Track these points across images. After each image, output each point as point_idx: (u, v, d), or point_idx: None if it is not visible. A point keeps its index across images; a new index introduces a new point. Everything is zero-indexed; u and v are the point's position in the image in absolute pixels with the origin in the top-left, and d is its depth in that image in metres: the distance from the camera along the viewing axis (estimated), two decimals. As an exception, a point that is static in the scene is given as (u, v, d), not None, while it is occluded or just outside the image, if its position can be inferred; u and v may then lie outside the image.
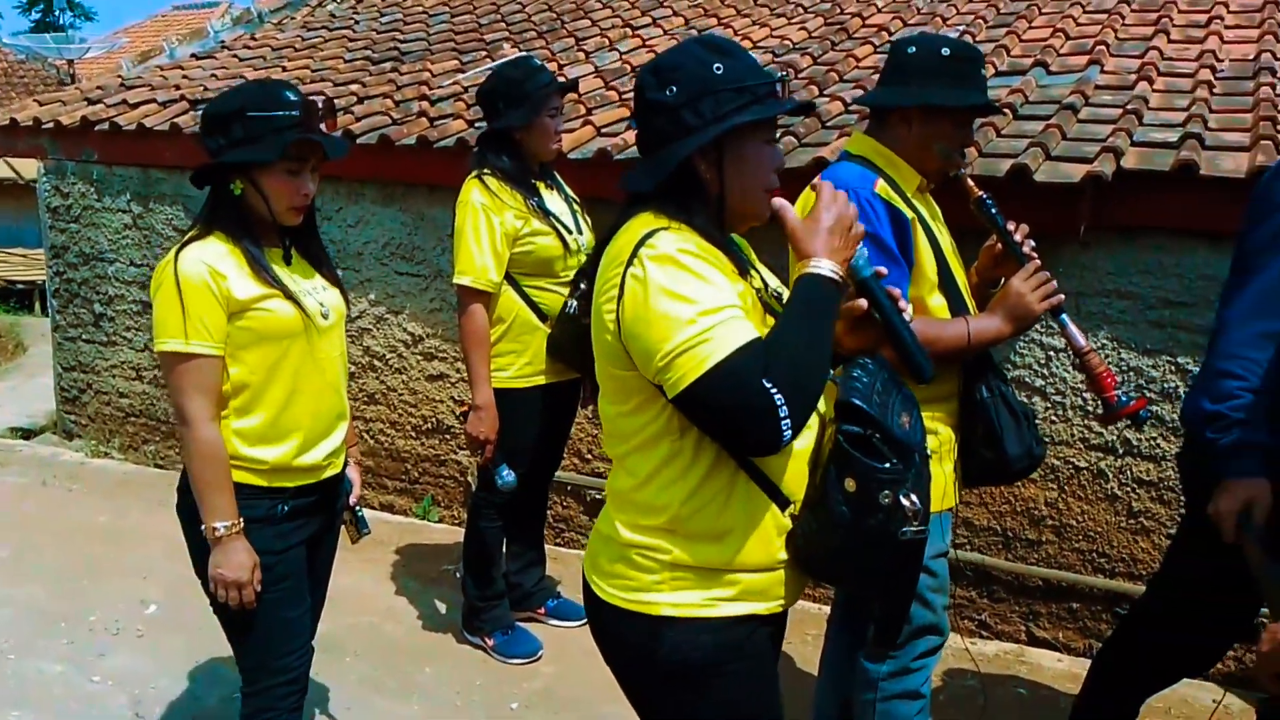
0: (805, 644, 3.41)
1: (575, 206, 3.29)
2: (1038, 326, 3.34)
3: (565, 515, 4.40)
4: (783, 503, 1.54)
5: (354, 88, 5.08)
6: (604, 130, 4.14)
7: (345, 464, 2.41)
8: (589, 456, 4.33)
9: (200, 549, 2.16)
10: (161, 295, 2.08)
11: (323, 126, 2.21)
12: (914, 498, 1.46)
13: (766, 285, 1.63)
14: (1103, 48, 4.20)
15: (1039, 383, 3.47)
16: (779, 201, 1.54)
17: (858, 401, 1.49)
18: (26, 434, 6.10)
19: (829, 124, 3.86)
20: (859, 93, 4.04)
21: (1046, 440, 3.30)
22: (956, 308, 2.19)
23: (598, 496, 4.31)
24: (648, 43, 5.23)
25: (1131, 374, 3.34)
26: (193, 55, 6.26)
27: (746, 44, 4.97)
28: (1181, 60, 4.06)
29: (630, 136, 3.96)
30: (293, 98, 2.08)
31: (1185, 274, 3.25)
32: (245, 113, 2.06)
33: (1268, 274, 1.95)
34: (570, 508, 4.39)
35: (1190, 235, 3.24)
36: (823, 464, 1.53)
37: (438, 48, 5.66)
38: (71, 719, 3.03)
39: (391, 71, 5.31)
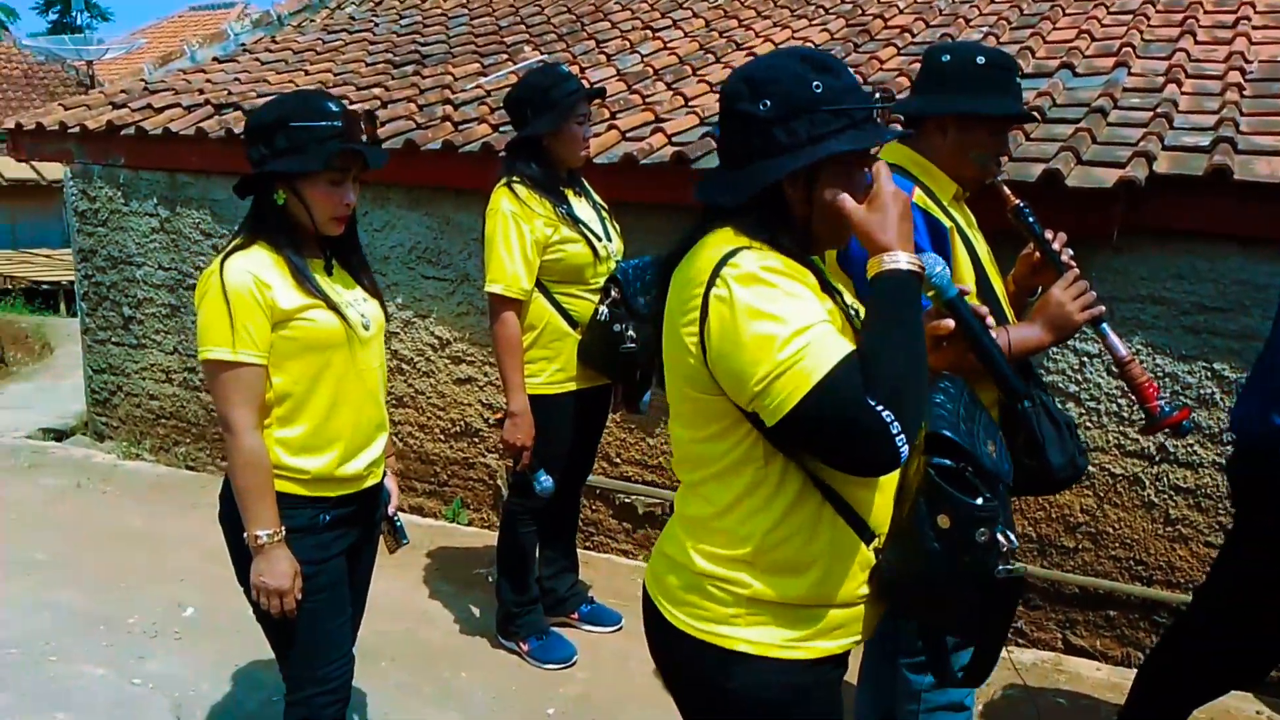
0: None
1: (603, 213, 3.30)
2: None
3: (594, 519, 4.42)
4: (868, 536, 1.47)
5: (377, 92, 5.11)
6: (629, 135, 4.15)
7: (384, 474, 2.43)
8: (618, 461, 4.35)
9: (243, 556, 2.18)
10: (207, 304, 2.09)
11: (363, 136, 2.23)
12: (1011, 535, 1.40)
13: (849, 304, 1.55)
14: (1129, 49, 4.18)
15: (1073, 389, 3.47)
16: (838, 195, 1.44)
17: (949, 433, 1.42)
18: (58, 435, 6.17)
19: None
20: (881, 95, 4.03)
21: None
22: (995, 317, 2.18)
23: (626, 501, 4.33)
24: (668, 45, 5.24)
25: (1167, 380, 3.33)
26: (214, 59, 6.30)
27: (767, 46, 4.98)
28: (1209, 62, 4.04)
29: (655, 141, 3.97)
30: (335, 108, 2.10)
31: (1220, 279, 3.24)
32: (288, 123, 2.07)
33: None
34: (599, 511, 4.41)
35: (1224, 240, 3.23)
36: (910, 496, 1.46)
37: (459, 51, 5.68)
38: (113, 723, 3.07)
39: (414, 75, 5.33)
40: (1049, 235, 2.25)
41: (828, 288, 1.47)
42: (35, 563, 4.10)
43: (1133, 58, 4.13)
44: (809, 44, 4.92)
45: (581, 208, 3.21)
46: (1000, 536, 1.39)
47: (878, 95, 1.59)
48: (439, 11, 6.65)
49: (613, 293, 3.11)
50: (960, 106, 2.15)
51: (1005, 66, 2.21)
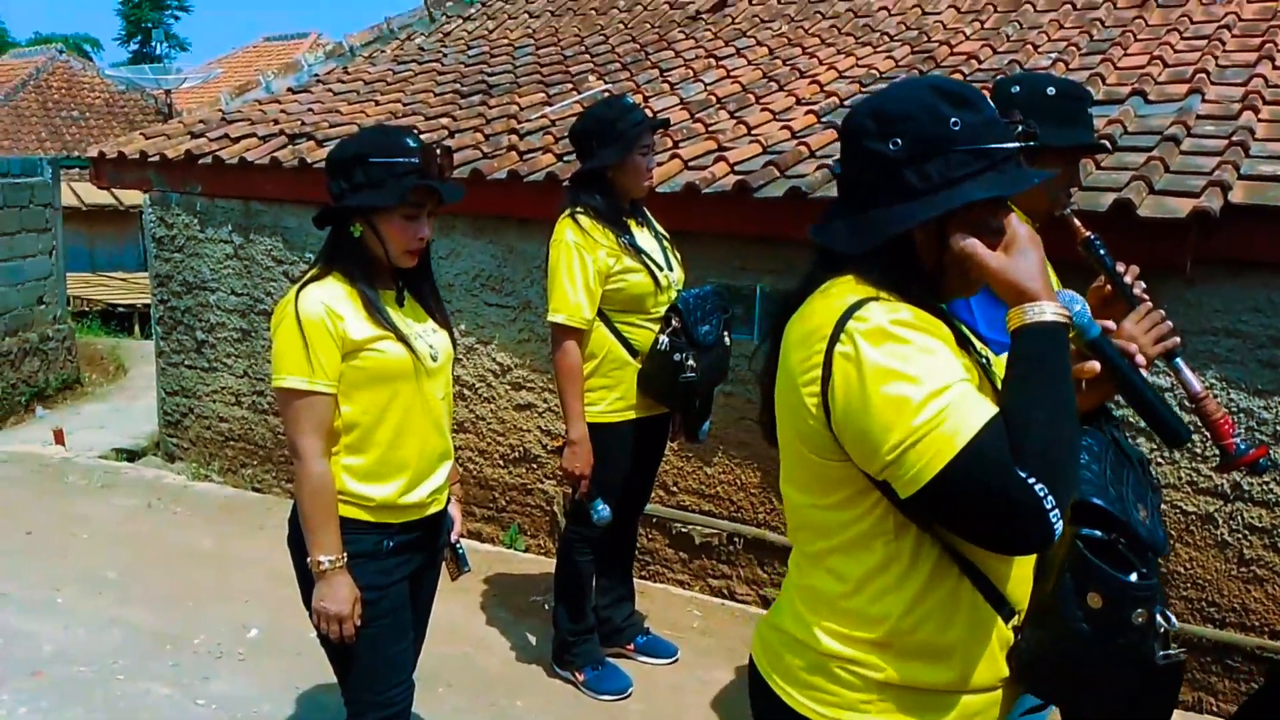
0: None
1: (665, 243, 3.32)
2: (1140, 364, 3.25)
3: (650, 548, 4.41)
4: (1006, 612, 1.34)
5: (445, 121, 5.21)
6: (691, 164, 4.17)
7: (448, 501, 2.46)
8: (675, 490, 4.34)
9: (308, 580, 2.21)
10: (282, 332, 2.15)
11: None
12: (1171, 616, 1.28)
13: (986, 357, 1.41)
14: (1203, 75, 4.09)
15: (1142, 423, 3.38)
16: (968, 241, 1.29)
17: (1097, 500, 1.29)
18: (131, 455, 6.34)
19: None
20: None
21: (1151, 482, 3.21)
22: None
23: (683, 530, 4.31)
24: (732, 73, 5.25)
25: (1242, 415, 3.23)
26: (289, 89, 6.48)
27: (831, 73, 4.97)
28: (1289, 88, 3.94)
29: (718, 170, 3.98)
30: (413, 144, 2.15)
31: (1298, 310, 3.14)
32: (367, 159, 2.13)
33: None
34: (655, 540, 4.40)
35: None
36: (1054, 569, 1.32)
37: (524, 81, 5.77)
38: (179, 741, 3.13)
39: (480, 105, 5.42)
40: (1120, 267, 2.21)
41: (963, 341, 1.34)
42: (107, 581, 4.21)
43: (1207, 84, 4.04)
44: (873, 71, 4.90)
45: (644, 237, 3.22)
46: (1159, 617, 1.27)
47: (1020, 129, 1.50)
48: (506, 42, 6.77)
49: (673, 322, 3.12)
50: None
51: (1076, 96, 2.19)
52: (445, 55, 6.68)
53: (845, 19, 5.85)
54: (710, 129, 4.49)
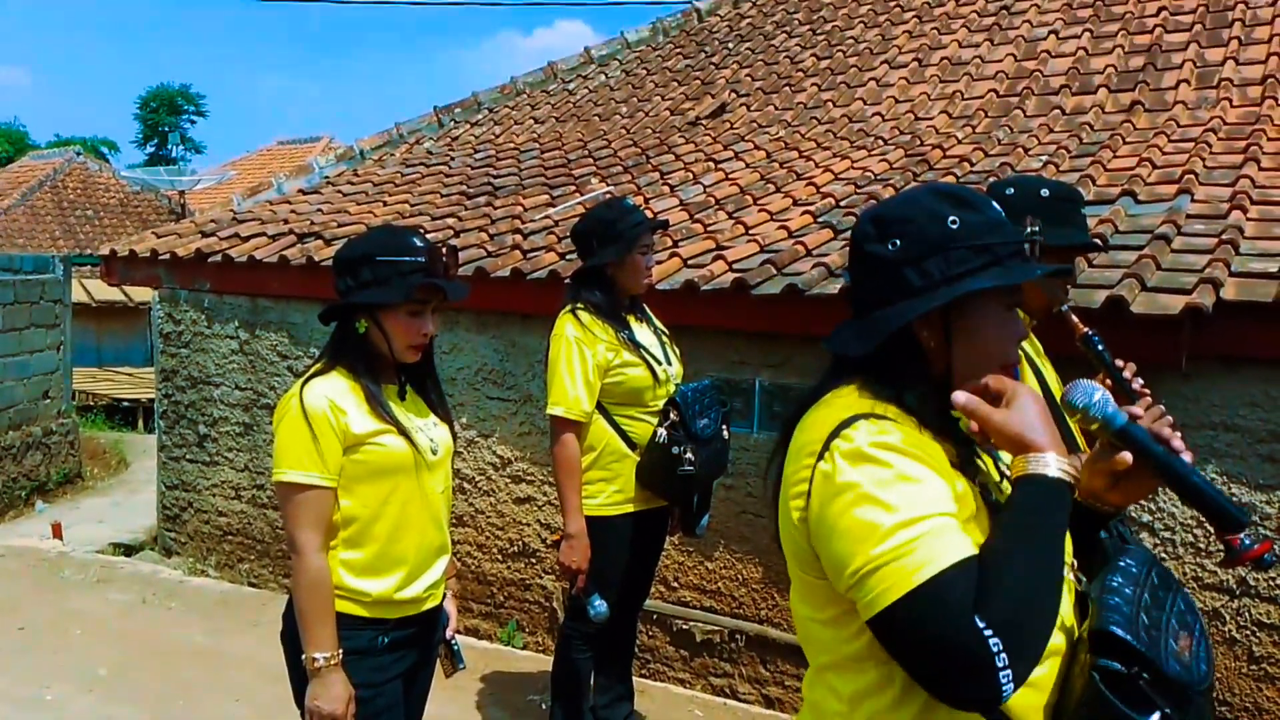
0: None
1: (664, 338, 3.36)
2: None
3: (650, 645, 4.34)
4: None
5: (450, 221, 5.32)
6: (690, 262, 4.25)
7: (444, 596, 2.44)
8: (676, 585, 4.29)
9: (301, 676, 2.18)
10: (285, 426, 2.17)
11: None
12: None
13: (1001, 474, 1.34)
14: (1191, 177, 4.19)
15: (1146, 518, 3.37)
16: (967, 398, 1.24)
17: (1118, 631, 1.18)
18: (128, 550, 6.30)
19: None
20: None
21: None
22: (1068, 446, 2.15)
23: (684, 627, 4.25)
24: (730, 176, 5.39)
25: (1245, 510, 3.21)
26: (299, 190, 6.65)
27: (827, 175, 5.10)
28: (1275, 188, 4.02)
29: (716, 268, 4.05)
30: (419, 244, 2.21)
31: (1298, 406, 3.15)
32: (374, 257, 2.18)
33: None
34: (656, 638, 4.33)
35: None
36: (1071, 701, 1.23)
37: (529, 183, 5.91)
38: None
39: (486, 206, 5.55)
40: (1119, 363, 2.24)
41: (968, 457, 1.29)
42: (97, 678, 4.14)
43: (1195, 185, 4.14)
44: (868, 174, 5.03)
45: (642, 332, 3.27)
46: None
47: (1029, 230, 1.47)
48: (511, 146, 6.96)
49: (671, 415, 3.14)
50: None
51: (1069, 198, 2.24)
52: (453, 158, 6.87)
53: (840, 124, 6.02)
54: (709, 229, 4.59)
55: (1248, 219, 3.74)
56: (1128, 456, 1.29)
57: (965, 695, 1.13)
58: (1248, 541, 2.08)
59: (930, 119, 5.79)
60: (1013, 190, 2.23)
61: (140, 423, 12.45)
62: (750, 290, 3.85)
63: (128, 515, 7.11)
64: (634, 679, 3.65)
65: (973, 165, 4.91)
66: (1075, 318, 2.27)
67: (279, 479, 2.16)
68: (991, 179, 4.30)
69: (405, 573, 2.24)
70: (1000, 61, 6.10)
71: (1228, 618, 3.27)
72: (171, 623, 4.82)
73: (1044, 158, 4.77)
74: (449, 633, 2.50)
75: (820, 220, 4.48)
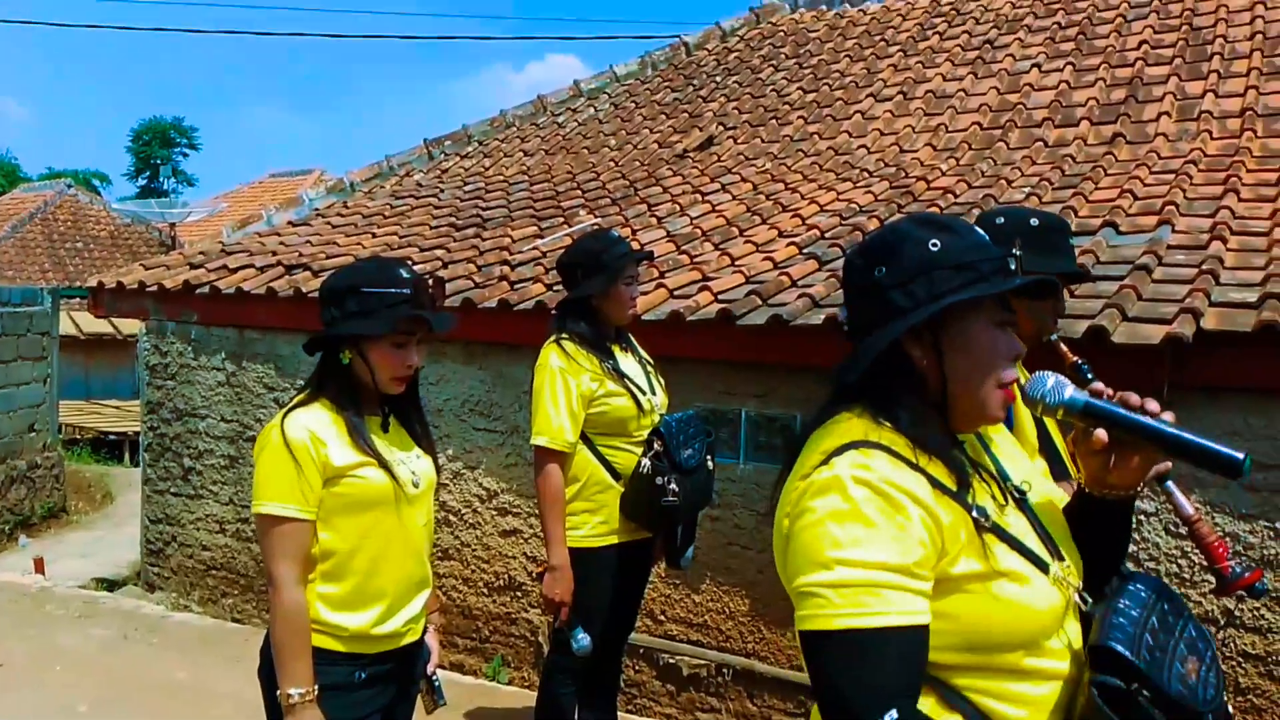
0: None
1: (649, 368, 3.36)
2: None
3: (637, 680, 4.30)
4: None
5: (439, 253, 5.34)
6: (676, 293, 4.26)
7: (424, 631, 2.41)
8: (662, 618, 4.26)
9: (277, 713, 2.14)
10: (265, 458, 2.16)
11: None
12: None
13: (1005, 495, 1.34)
14: (1172, 208, 4.23)
15: (1131, 549, 3.36)
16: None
17: (1117, 647, 1.19)
18: (111, 585, 6.24)
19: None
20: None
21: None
22: (1058, 472, 2.15)
23: (670, 661, 4.22)
24: (717, 208, 5.42)
25: (1228, 540, 3.21)
26: (289, 222, 6.66)
27: (813, 208, 5.13)
28: (1254, 219, 4.06)
29: (701, 299, 4.07)
30: (405, 275, 2.20)
31: (1277, 435, 3.16)
32: (360, 289, 2.17)
33: None
34: (643, 672, 4.29)
35: (1278, 396, 3.17)
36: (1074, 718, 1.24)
37: (518, 215, 5.94)
38: None
39: (474, 237, 5.57)
40: (1108, 392, 2.23)
41: (962, 485, 1.27)
42: (77, 715, 4.08)
43: (1176, 216, 4.17)
44: (853, 205, 5.06)
45: (627, 362, 3.27)
46: None
47: (1015, 253, 1.50)
48: (501, 178, 7.00)
49: (656, 445, 3.13)
50: None
51: (1058, 229, 2.25)
52: (442, 190, 6.90)
53: (826, 156, 6.07)
54: (695, 260, 4.61)
55: (1228, 249, 3.77)
56: (1102, 433, 1.29)
57: None
58: (1238, 569, 2.06)
59: (915, 151, 5.84)
60: (1003, 220, 2.25)
61: (127, 456, 12.37)
62: (736, 321, 3.86)
63: (111, 550, 7.05)
64: (620, 714, 3.62)
65: (957, 197, 4.94)
66: (1064, 347, 2.28)
67: (258, 510, 2.15)
68: (976, 210, 4.34)
69: (384, 607, 2.22)
70: (984, 95, 6.17)
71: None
72: (153, 659, 4.76)
73: (1027, 189, 4.81)
74: (430, 668, 2.47)
75: (805, 252, 4.50)
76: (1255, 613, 3.19)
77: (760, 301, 3.96)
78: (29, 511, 7.65)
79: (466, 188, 6.88)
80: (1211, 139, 5.06)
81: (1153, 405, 1.31)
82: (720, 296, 4.09)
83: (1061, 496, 1.47)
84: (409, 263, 2.38)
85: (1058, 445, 2.22)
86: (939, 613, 1.21)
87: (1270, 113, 5.13)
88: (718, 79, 7.81)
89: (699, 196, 5.71)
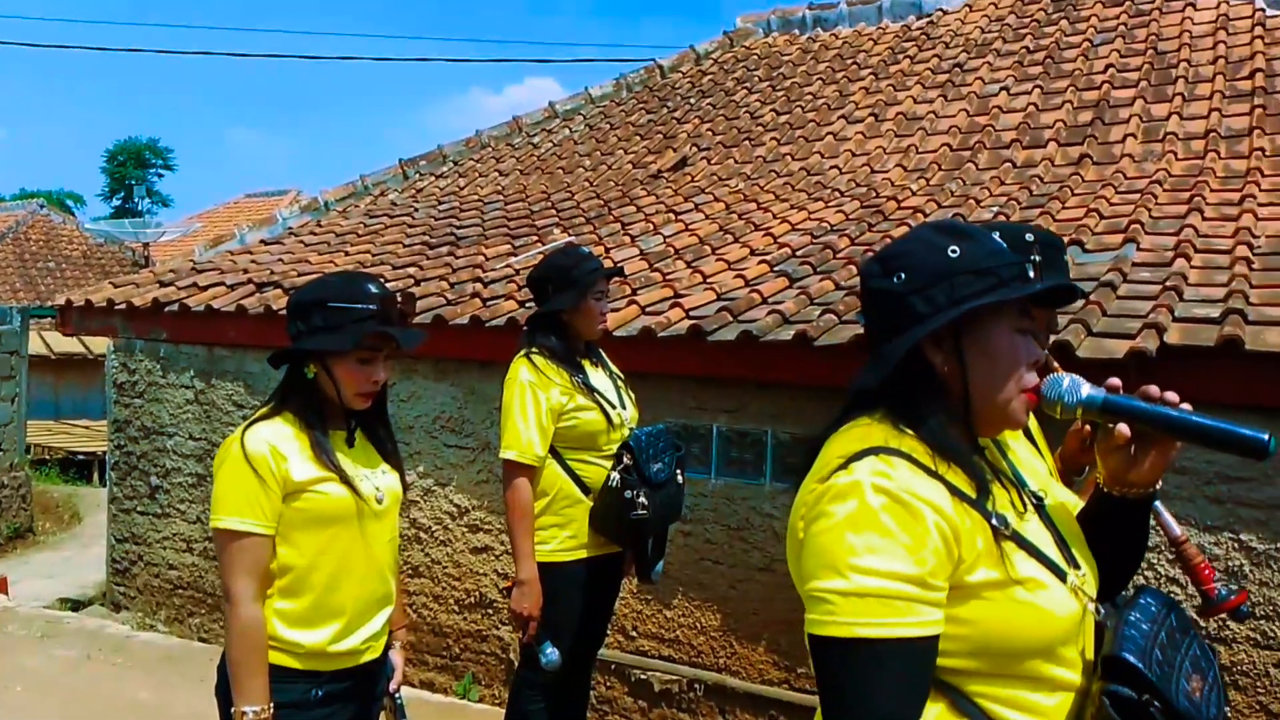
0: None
1: (619, 382, 3.36)
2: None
3: (609, 696, 4.27)
4: None
5: (412, 271, 5.33)
6: (648, 309, 4.27)
7: (388, 648, 2.39)
8: (634, 634, 4.24)
9: (233, 731, 2.12)
10: (224, 472, 2.13)
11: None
12: None
13: (1024, 502, 1.33)
14: (1137, 226, 4.29)
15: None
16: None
17: (1131, 658, 1.20)
18: (76, 605, 6.14)
19: (869, 301, 3.95)
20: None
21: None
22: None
23: (642, 677, 4.19)
24: (690, 227, 5.45)
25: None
26: (261, 241, 6.63)
27: (784, 226, 5.16)
28: (1218, 237, 4.13)
29: (673, 315, 4.08)
30: (373, 290, 2.18)
31: (1239, 449, 3.19)
32: (326, 303, 2.15)
33: None
34: (614, 688, 4.26)
35: (1241, 410, 3.20)
36: None
37: (492, 233, 5.94)
38: None
39: (448, 255, 5.56)
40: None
41: (981, 491, 1.26)
42: (37, 736, 4.01)
43: (1141, 234, 4.23)
44: (824, 224, 5.10)
45: (597, 377, 3.27)
46: None
47: (1034, 259, 1.48)
48: (475, 198, 7.00)
49: (625, 459, 3.12)
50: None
51: (1052, 245, 2.26)
52: (416, 209, 6.89)
53: (798, 176, 6.12)
54: (667, 278, 4.63)
55: (1191, 267, 3.82)
56: (1124, 428, 1.29)
57: None
58: (1223, 591, 2.05)
59: (886, 172, 5.90)
60: (998, 235, 2.24)
61: (96, 476, 12.21)
62: (706, 337, 3.87)
63: (78, 570, 6.95)
64: (590, 731, 3.59)
65: (926, 216, 4.99)
66: (1056, 364, 2.28)
67: (216, 525, 2.12)
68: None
69: (342, 624, 2.19)
70: (953, 116, 6.25)
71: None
72: (116, 679, 4.68)
73: (995, 208, 4.86)
74: (393, 685, 2.43)
75: (776, 269, 4.53)
76: (1219, 623, 3.22)
77: (731, 318, 3.97)
78: (-6, 532, 7.53)
79: (441, 207, 6.88)
80: (1176, 160, 5.15)
81: (1172, 396, 1.31)
82: (691, 313, 4.10)
83: (1076, 503, 1.46)
84: (380, 279, 2.36)
85: (1048, 467, 2.20)
86: (954, 618, 1.20)
87: (1232, 134, 5.23)
88: (692, 101, 7.87)
89: (672, 215, 5.73)
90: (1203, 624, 3.24)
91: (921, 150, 6.03)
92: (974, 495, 1.24)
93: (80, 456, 12.80)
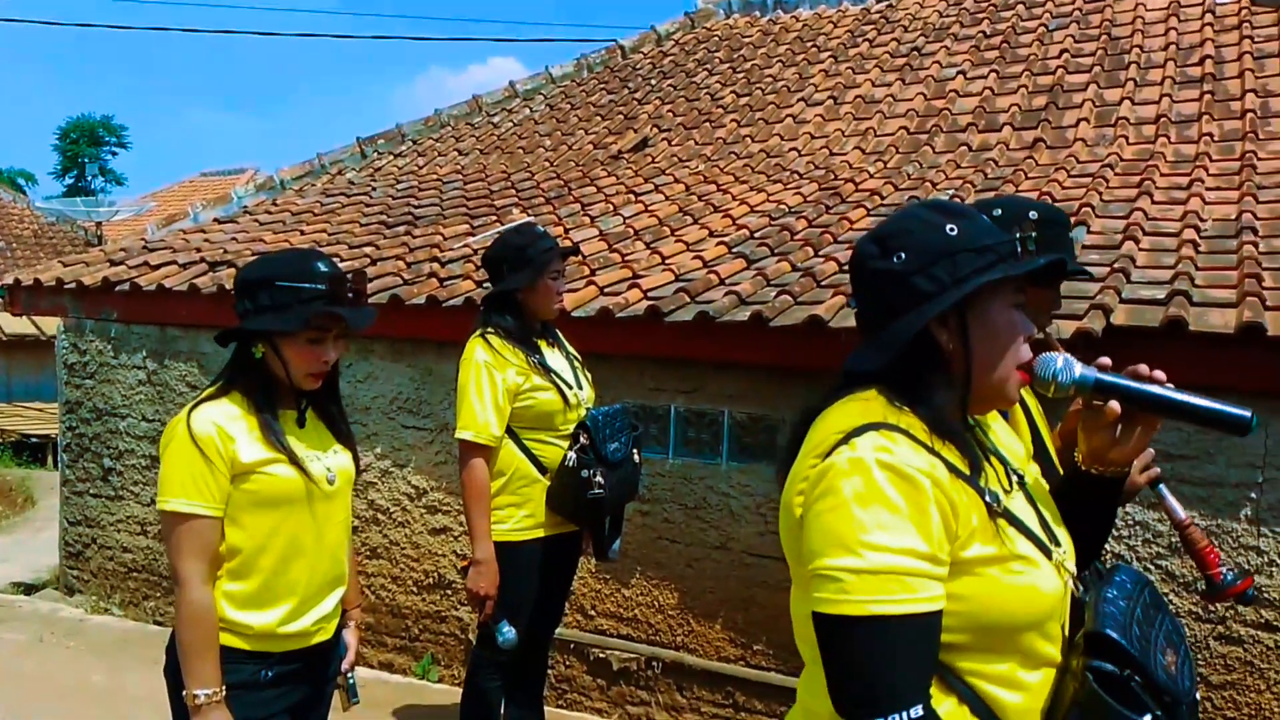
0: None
1: (576, 362, 3.36)
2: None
3: (567, 675, 4.29)
4: None
5: (368, 250, 5.28)
6: (606, 290, 4.27)
7: (342, 627, 2.38)
8: (593, 613, 4.26)
9: (183, 712, 2.09)
10: (169, 453, 2.10)
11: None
12: None
13: (1010, 480, 1.35)
14: (1088, 209, 4.36)
15: (1110, 560, 3.45)
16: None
17: (1113, 634, 1.23)
18: (29, 589, 6.05)
19: (824, 283, 3.98)
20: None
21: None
22: (1049, 474, 2.16)
23: (601, 655, 4.22)
24: (649, 208, 5.45)
25: (1137, 529, 3.32)
26: (215, 219, 6.54)
27: (743, 208, 5.18)
28: (1166, 220, 4.20)
29: (631, 296, 4.08)
30: (323, 269, 2.13)
31: (1183, 427, 3.27)
32: (275, 282, 2.10)
33: None
34: (573, 667, 4.29)
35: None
36: (1064, 701, 1.27)
37: (450, 213, 5.90)
38: None
39: (405, 235, 5.52)
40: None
41: (975, 469, 1.28)
42: (-13, 721, 3.96)
43: (1092, 217, 4.30)
44: (783, 206, 5.12)
45: (553, 357, 3.27)
46: None
47: (1023, 236, 1.50)
48: (434, 177, 6.94)
49: (582, 439, 3.14)
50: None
51: (1056, 221, 2.22)
52: (374, 189, 6.82)
53: (758, 158, 6.14)
54: (626, 258, 4.63)
55: (1140, 249, 3.89)
56: (1115, 406, 1.32)
57: (850, 715, 1.18)
58: (1229, 576, 2.04)
59: (844, 154, 5.93)
60: (1000, 211, 2.17)
61: (50, 459, 12.01)
62: (664, 318, 3.88)
63: (31, 554, 6.85)
64: (550, 709, 3.61)
65: (883, 199, 5.03)
66: (1059, 345, 2.28)
67: (163, 507, 2.09)
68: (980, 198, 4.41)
69: (292, 605, 2.17)
70: (911, 100, 6.30)
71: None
72: (69, 662, 4.63)
73: (951, 191, 4.91)
74: (345, 665, 2.43)
75: (734, 251, 4.55)
76: (1196, 603, 3.29)
77: (689, 299, 3.99)
78: (-58, 517, 7.39)
79: (399, 186, 6.82)
80: (1128, 144, 5.23)
81: (1160, 375, 1.35)
82: (649, 294, 4.11)
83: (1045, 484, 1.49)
84: (331, 258, 2.32)
85: (1047, 447, 2.21)
86: (948, 594, 1.22)
87: (1182, 119, 5.32)
88: (653, 82, 7.85)
89: (632, 196, 5.73)
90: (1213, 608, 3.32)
91: (879, 133, 6.07)
92: (968, 472, 1.26)
93: (33, 439, 12.58)
